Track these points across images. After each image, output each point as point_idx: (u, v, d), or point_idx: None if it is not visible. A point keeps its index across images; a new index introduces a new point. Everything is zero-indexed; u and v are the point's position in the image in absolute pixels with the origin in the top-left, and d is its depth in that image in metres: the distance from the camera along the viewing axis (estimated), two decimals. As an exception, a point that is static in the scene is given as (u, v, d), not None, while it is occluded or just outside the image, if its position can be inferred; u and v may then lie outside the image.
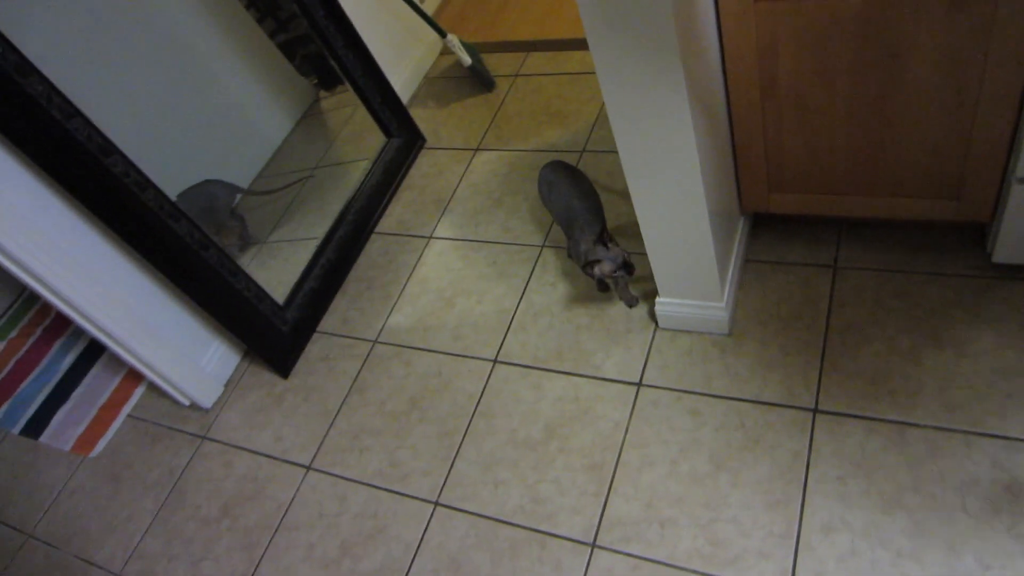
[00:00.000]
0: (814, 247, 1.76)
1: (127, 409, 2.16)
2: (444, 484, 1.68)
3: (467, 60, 2.55)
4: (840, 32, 1.28)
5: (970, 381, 1.45)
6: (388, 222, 2.34)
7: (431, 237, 2.22)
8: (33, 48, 1.49)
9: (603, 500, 1.54)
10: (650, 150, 1.35)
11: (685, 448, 1.55)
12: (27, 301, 2.72)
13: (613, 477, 1.57)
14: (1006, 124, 1.31)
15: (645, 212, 1.50)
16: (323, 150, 2.67)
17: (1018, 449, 1.35)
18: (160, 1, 2.17)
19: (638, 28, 1.14)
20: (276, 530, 1.74)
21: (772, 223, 1.83)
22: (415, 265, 2.16)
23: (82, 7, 1.95)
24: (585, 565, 1.47)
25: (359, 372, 1.97)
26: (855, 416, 1.48)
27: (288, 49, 2.54)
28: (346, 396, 1.93)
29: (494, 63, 2.70)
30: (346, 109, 2.63)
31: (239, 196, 2.34)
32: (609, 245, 1.65)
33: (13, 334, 2.62)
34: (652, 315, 1.77)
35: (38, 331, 2.58)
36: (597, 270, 1.66)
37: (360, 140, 2.55)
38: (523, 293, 1.96)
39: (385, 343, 2.01)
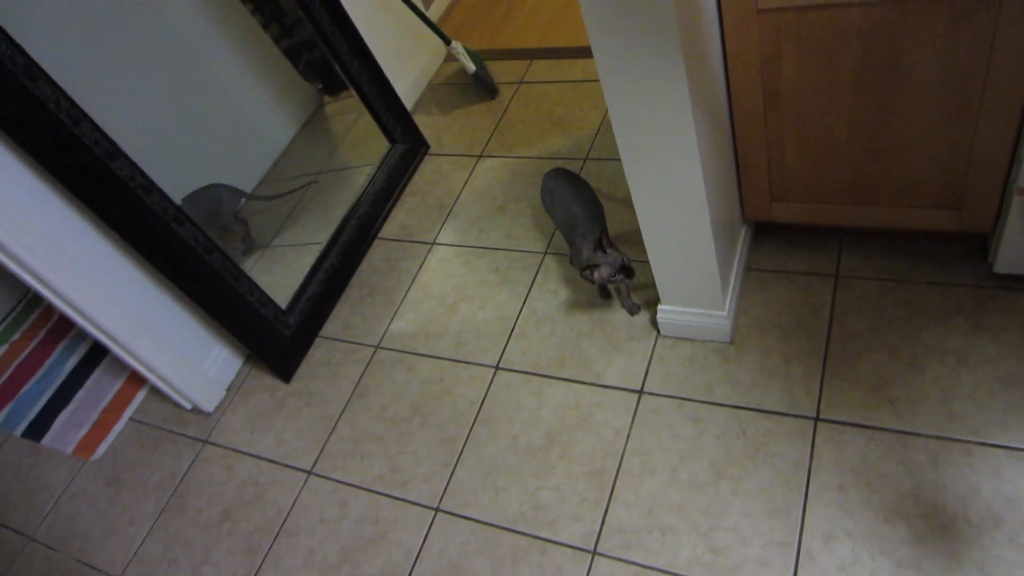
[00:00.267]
0: (816, 256, 1.77)
1: (129, 412, 2.17)
2: (445, 490, 1.68)
3: (471, 67, 2.57)
4: (842, 43, 1.29)
5: (971, 391, 1.45)
6: (391, 228, 2.34)
7: (434, 243, 2.23)
8: (40, 51, 1.50)
9: (604, 507, 1.54)
10: (653, 158, 1.35)
11: (686, 456, 1.56)
12: (30, 303, 2.73)
13: (614, 484, 1.57)
14: (1008, 135, 1.31)
15: (647, 220, 1.50)
16: (327, 155, 2.68)
17: (1019, 459, 1.35)
18: (165, 5, 2.18)
19: (642, 37, 1.15)
20: (277, 535, 1.74)
21: (774, 232, 1.84)
22: (418, 271, 2.17)
23: (87, 11, 1.97)
24: (586, 572, 1.47)
25: (361, 377, 1.97)
26: (856, 425, 1.48)
27: (293, 54, 2.55)
28: (348, 401, 1.93)
29: (498, 70, 2.71)
30: (350, 115, 2.65)
31: (243, 200, 2.35)
32: (608, 250, 1.65)
33: (16, 336, 2.63)
34: (654, 323, 1.78)
35: (41, 334, 2.59)
36: (596, 275, 1.67)
37: (364, 146, 2.56)
38: (525, 300, 1.97)
39: (387, 349, 2.01)
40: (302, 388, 2.01)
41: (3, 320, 2.71)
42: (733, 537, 1.42)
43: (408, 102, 2.69)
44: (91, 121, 1.59)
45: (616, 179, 2.15)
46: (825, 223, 1.66)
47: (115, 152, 1.63)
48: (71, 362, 2.43)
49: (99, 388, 2.28)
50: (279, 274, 2.22)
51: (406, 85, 2.69)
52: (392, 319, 2.07)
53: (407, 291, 2.13)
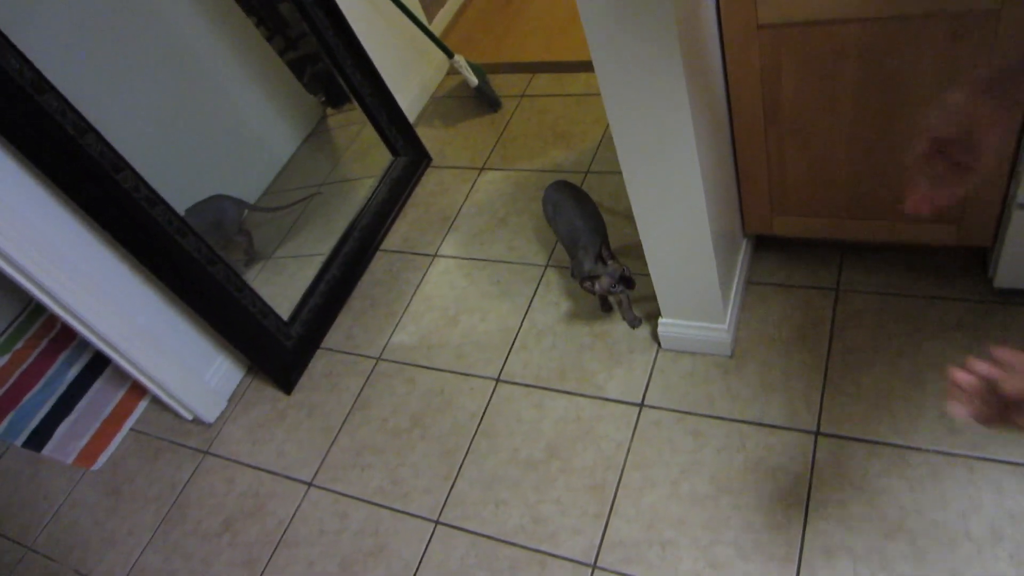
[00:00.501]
0: (816, 270, 1.77)
1: (130, 423, 2.17)
2: (445, 503, 1.68)
3: (473, 80, 2.58)
4: (842, 58, 1.30)
5: (972, 406, 1.45)
6: (393, 240, 2.35)
7: (436, 255, 2.24)
8: (46, 63, 1.52)
9: (604, 521, 1.54)
10: (654, 172, 1.36)
11: (687, 469, 1.55)
12: (32, 313, 2.74)
13: (614, 498, 1.56)
14: (1006, 152, 1.32)
15: (649, 233, 1.51)
16: (330, 167, 2.69)
17: (1020, 474, 1.35)
18: (171, 18, 2.20)
19: (644, 52, 1.16)
20: (276, 546, 1.74)
21: (775, 245, 1.84)
22: (419, 283, 2.18)
23: (93, 23, 1.99)
24: (585, 586, 1.47)
25: (362, 389, 1.97)
26: (857, 439, 1.48)
27: (297, 67, 2.57)
28: (349, 413, 1.93)
29: (500, 84, 2.73)
30: (353, 127, 2.66)
31: (246, 212, 2.36)
32: (609, 261, 1.66)
33: (19, 346, 2.63)
34: (655, 336, 1.78)
35: (43, 343, 2.60)
36: (597, 285, 1.67)
37: (367, 158, 2.58)
38: (526, 312, 1.97)
39: (388, 360, 2.01)
40: (303, 399, 2.01)
41: (6, 329, 2.72)
42: (733, 552, 1.42)
43: (411, 115, 2.71)
44: (97, 133, 1.60)
45: (618, 192, 2.16)
46: (825, 237, 1.66)
47: (120, 164, 1.64)
48: (73, 372, 2.43)
49: (100, 398, 2.29)
50: (281, 285, 2.23)
51: (409, 98, 2.71)
52: (394, 331, 2.08)
53: (409, 303, 2.13)
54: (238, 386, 2.13)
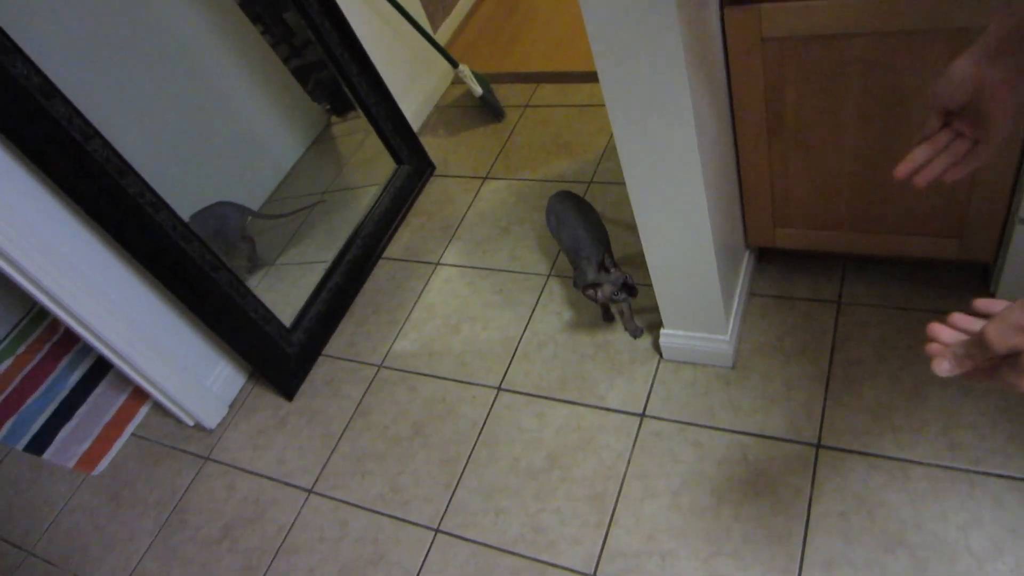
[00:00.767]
0: (819, 282, 1.77)
1: (131, 428, 2.17)
2: (445, 511, 1.68)
3: (478, 90, 2.60)
4: (845, 74, 1.31)
5: (973, 420, 1.45)
6: (396, 248, 2.36)
7: (438, 264, 2.25)
8: (53, 68, 1.53)
9: (604, 531, 1.54)
10: (657, 183, 1.37)
11: (687, 480, 1.55)
12: (36, 317, 2.74)
13: (615, 508, 1.56)
14: (1008, 166, 1.32)
15: (651, 244, 1.51)
16: (334, 175, 2.70)
17: (1020, 489, 1.35)
18: (177, 24, 2.22)
19: (648, 64, 1.17)
20: (276, 553, 1.74)
21: (777, 257, 1.85)
22: (422, 291, 2.18)
23: (99, 28, 2.00)
24: (585, 596, 1.46)
25: (363, 396, 1.98)
26: (858, 452, 1.48)
27: (302, 75, 2.59)
28: (350, 420, 1.94)
29: (504, 93, 2.74)
30: (357, 135, 2.68)
31: (250, 218, 2.37)
32: (611, 269, 1.66)
33: (21, 349, 2.64)
34: (656, 346, 1.78)
35: (46, 347, 2.60)
36: (599, 294, 1.67)
37: (371, 166, 2.59)
38: (528, 321, 1.98)
39: (390, 368, 2.02)
40: (305, 406, 2.02)
41: (9, 333, 2.72)
42: (734, 563, 1.41)
43: (415, 124, 2.72)
44: (103, 138, 1.61)
45: (621, 203, 2.16)
46: (828, 250, 1.67)
47: (125, 169, 1.65)
48: (75, 376, 2.44)
49: (102, 403, 2.29)
50: (284, 292, 2.24)
51: (413, 107, 2.72)
52: (396, 338, 2.08)
53: (411, 311, 2.14)
54: (240, 392, 2.13)
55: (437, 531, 1.65)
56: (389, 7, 2.46)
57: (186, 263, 1.80)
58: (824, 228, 1.62)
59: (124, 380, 2.31)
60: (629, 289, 1.67)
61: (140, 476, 2.03)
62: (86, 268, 1.72)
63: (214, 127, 2.41)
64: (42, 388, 2.45)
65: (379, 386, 1.98)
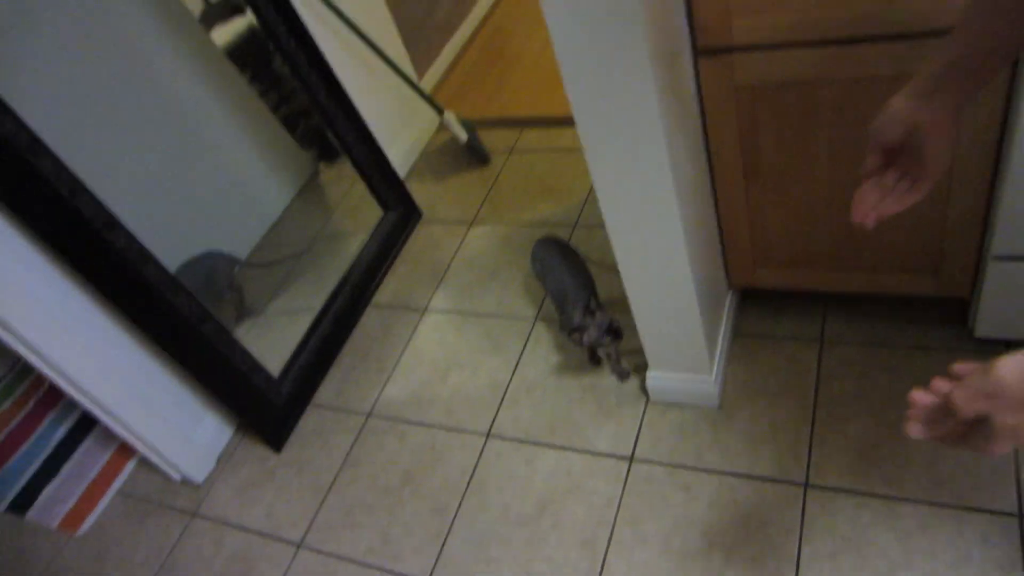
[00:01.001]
0: (801, 321, 1.79)
1: (117, 484, 2.14)
2: (436, 562, 1.66)
3: (463, 137, 2.64)
4: (818, 118, 1.34)
5: (957, 455, 1.46)
6: (384, 294, 2.37)
7: (426, 310, 2.25)
8: (37, 122, 1.54)
9: (596, 578, 1.52)
10: (636, 227, 1.39)
11: (678, 524, 1.55)
12: (21, 373, 2.72)
13: (606, 554, 1.55)
14: (979, 204, 1.36)
15: (633, 286, 1.53)
16: (321, 222, 2.72)
17: (1006, 524, 1.35)
18: (162, 73, 2.24)
19: (625, 115, 1.20)
20: (264, 609, 1.71)
21: (760, 297, 1.87)
22: (410, 337, 2.19)
23: (85, 79, 2.02)
24: (578, 646, 1.44)
25: (352, 446, 1.97)
26: (845, 490, 1.48)
27: (290, 122, 2.62)
28: (339, 471, 1.92)
29: (490, 139, 2.79)
30: (345, 182, 2.70)
31: (238, 268, 2.38)
32: (596, 312, 1.67)
33: (6, 406, 2.61)
34: (643, 388, 1.79)
35: (31, 403, 2.57)
36: (585, 337, 1.68)
37: (358, 213, 2.61)
38: (516, 366, 1.98)
39: (379, 416, 2.01)
40: (293, 457, 2.00)
41: (-6, 389, 2.70)
42: (727, 608, 1.40)
43: (402, 170, 2.75)
44: (90, 193, 1.62)
45: (605, 246, 2.19)
46: (808, 288, 1.69)
47: (112, 222, 1.66)
48: (59, 432, 2.41)
49: (87, 459, 2.26)
50: (272, 340, 2.23)
51: (400, 153, 2.76)
52: (384, 386, 2.08)
53: (399, 358, 2.14)
54: (227, 444, 2.11)
55: (428, 582, 1.63)
56: (375, 57, 2.51)
57: (173, 316, 1.80)
58: (803, 267, 1.64)
59: (110, 435, 2.28)
60: (615, 332, 1.68)
61: (126, 535, 2.00)
62: (71, 322, 1.72)
63: (202, 175, 2.43)
64: (26, 445, 2.41)
65: (368, 435, 1.97)
